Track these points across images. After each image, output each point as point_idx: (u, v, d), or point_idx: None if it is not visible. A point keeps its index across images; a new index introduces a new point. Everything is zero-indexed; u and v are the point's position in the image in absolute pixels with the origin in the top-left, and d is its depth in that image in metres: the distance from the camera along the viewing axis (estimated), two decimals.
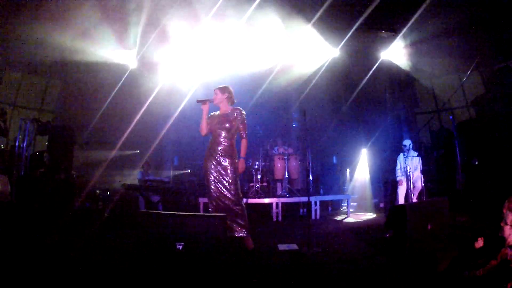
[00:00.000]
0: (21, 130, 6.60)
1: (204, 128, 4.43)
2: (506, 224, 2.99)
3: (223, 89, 4.53)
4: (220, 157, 4.37)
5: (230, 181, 4.32)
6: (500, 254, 2.86)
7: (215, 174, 4.36)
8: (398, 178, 7.71)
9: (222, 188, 4.32)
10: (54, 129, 7.41)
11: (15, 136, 6.69)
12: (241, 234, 4.28)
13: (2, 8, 7.49)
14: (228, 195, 4.29)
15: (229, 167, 4.35)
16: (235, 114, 4.45)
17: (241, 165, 4.41)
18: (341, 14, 8.92)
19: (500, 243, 3.02)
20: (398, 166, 7.75)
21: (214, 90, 4.54)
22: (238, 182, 4.42)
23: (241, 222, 4.30)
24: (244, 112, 4.52)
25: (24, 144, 6.51)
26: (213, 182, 4.36)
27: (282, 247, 4.68)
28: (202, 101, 4.42)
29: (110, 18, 8.42)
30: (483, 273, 2.85)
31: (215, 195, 4.33)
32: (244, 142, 4.51)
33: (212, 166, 4.38)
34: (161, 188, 8.61)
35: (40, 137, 7.63)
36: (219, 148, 4.39)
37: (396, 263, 3.77)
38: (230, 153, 4.40)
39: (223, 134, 4.40)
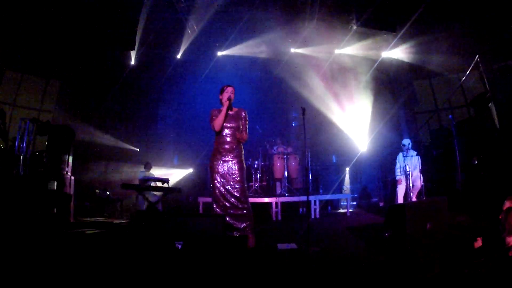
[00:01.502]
0: (21, 130, 6.60)
1: (221, 123, 4.42)
2: (506, 222, 2.99)
3: (234, 91, 4.60)
4: (227, 156, 4.41)
5: (237, 179, 4.36)
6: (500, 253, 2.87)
7: (221, 173, 4.39)
8: (397, 177, 7.73)
9: (228, 187, 4.34)
10: (54, 129, 7.40)
11: (14, 136, 6.68)
12: (243, 232, 4.30)
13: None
14: (235, 193, 4.32)
15: (235, 166, 4.38)
16: (242, 115, 4.55)
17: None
18: (342, 13, 8.93)
19: (499, 243, 3.02)
20: (397, 166, 7.77)
21: (229, 87, 4.56)
22: (245, 181, 4.46)
23: (245, 220, 4.33)
24: (247, 114, 4.63)
25: (24, 144, 6.50)
26: (219, 181, 4.38)
27: (281, 246, 4.68)
28: (230, 99, 4.46)
29: (111, 17, 8.44)
30: (484, 271, 2.84)
31: (220, 194, 4.35)
32: (245, 134, 4.56)
33: (219, 165, 4.41)
34: (161, 187, 8.61)
35: (40, 137, 7.63)
36: (226, 147, 4.43)
37: (395, 262, 3.78)
38: (237, 152, 4.45)
39: (230, 132, 4.46)
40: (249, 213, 4.38)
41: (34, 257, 3.84)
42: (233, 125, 4.48)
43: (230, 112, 4.53)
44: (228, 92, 4.51)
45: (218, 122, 4.41)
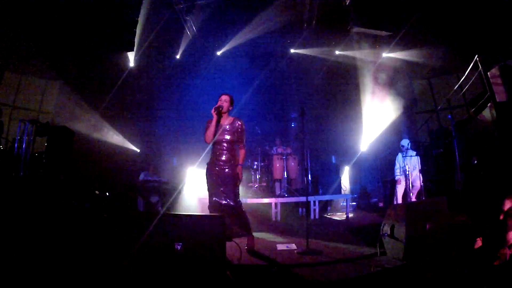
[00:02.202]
0: (20, 131, 6.60)
1: (211, 137, 4.34)
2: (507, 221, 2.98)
3: (231, 100, 4.53)
4: (223, 166, 4.40)
5: (231, 189, 4.36)
6: (499, 253, 2.86)
7: (216, 182, 4.39)
8: (396, 178, 7.73)
9: (222, 196, 4.34)
10: (53, 130, 7.41)
11: (14, 137, 6.68)
12: (241, 234, 4.32)
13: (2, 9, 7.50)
14: (228, 203, 4.32)
15: (230, 176, 4.38)
16: (237, 125, 4.47)
17: (240, 172, 4.46)
18: (341, 14, 8.94)
19: (499, 243, 3.01)
20: (396, 166, 7.77)
21: (224, 96, 4.49)
22: (238, 190, 4.47)
23: (242, 222, 4.36)
24: (244, 123, 4.54)
25: (23, 145, 6.50)
26: (213, 190, 4.39)
27: (281, 247, 4.68)
28: (218, 109, 4.33)
29: (109, 18, 8.44)
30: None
31: (215, 198, 4.37)
32: (242, 152, 4.56)
33: (214, 175, 4.40)
34: (160, 188, 8.61)
35: (39, 138, 7.63)
36: (222, 158, 4.41)
37: (395, 262, 3.78)
38: (232, 162, 4.44)
39: (225, 145, 4.43)
40: (244, 215, 4.41)
41: (34, 257, 3.83)
42: (229, 138, 4.42)
43: (225, 124, 4.47)
44: (221, 100, 4.43)
45: (208, 134, 4.34)
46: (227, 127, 4.45)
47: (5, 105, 8.75)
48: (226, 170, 4.38)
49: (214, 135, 4.35)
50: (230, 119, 4.51)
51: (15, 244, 4.28)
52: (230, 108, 4.51)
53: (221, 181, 4.38)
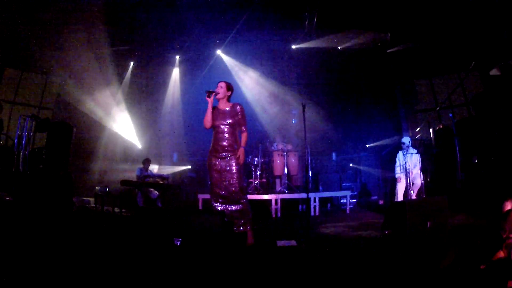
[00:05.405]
0: (20, 127, 6.59)
1: (209, 121, 4.40)
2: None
3: (229, 86, 4.60)
4: (224, 153, 4.40)
5: (234, 176, 4.35)
6: (505, 244, 2.84)
7: (218, 170, 4.38)
8: (397, 176, 7.71)
9: (226, 183, 4.34)
10: (53, 126, 7.39)
11: (14, 132, 6.68)
12: (242, 229, 4.30)
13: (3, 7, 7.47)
14: (232, 190, 4.32)
15: (233, 162, 4.37)
16: (237, 110, 4.50)
17: (242, 154, 4.44)
18: (342, 12, 8.91)
19: (500, 241, 3.00)
20: (397, 164, 7.75)
21: (220, 83, 4.56)
22: (242, 177, 4.46)
23: (243, 217, 4.33)
24: (243, 107, 4.58)
25: (23, 141, 6.50)
26: (216, 178, 4.38)
27: (281, 243, 4.68)
28: (210, 92, 4.41)
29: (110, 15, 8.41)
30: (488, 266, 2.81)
31: (218, 191, 4.35)
32: (245, 135, 4.57)
33: (216, 162, 4.40)
34: (160, 184, 8.59)
35: (39, 134, 7.62)
36: (223, 143, 4.41)
37: (395, 260, 3.77)
38: (234, 148, 4.44)
39: (227, 129, 4.43)
40: (247, 210, 4.38)
41: (35, 254, 3.83)
42: (229, 121, 4.44)
43: (224, 108, 4.51)
44: (218, 87, 4.51)
45: (205, 119, 4.41)
46: (227, 111, 4.48)
47: (6, 101, 8.74)
48: (229, 157, 4.38)
49: (212, 119, 4.41)
50: (230, 104, 4.56)
51: (15, 240, 4.28)
52: (228, 94, 4.57)
53: (224, 169, 4.37)
